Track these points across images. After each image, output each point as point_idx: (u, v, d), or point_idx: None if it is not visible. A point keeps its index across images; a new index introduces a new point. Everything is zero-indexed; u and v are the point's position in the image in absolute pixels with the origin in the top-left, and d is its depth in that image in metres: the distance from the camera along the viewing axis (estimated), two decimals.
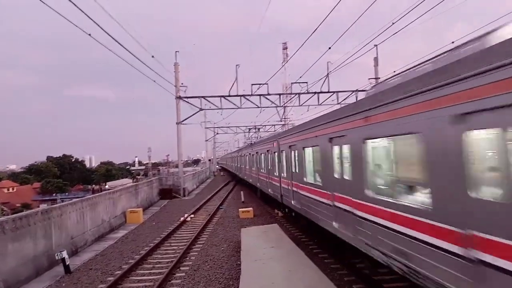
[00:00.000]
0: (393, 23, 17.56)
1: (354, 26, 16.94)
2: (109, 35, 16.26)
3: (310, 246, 14.29)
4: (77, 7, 13.27)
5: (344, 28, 17.81)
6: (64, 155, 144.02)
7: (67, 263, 12.88)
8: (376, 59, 34.62)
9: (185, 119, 37.57)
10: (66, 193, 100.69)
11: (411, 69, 7.27)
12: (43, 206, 25.57)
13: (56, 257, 13.10)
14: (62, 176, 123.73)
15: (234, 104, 34.56)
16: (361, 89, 33.88)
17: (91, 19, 14.50)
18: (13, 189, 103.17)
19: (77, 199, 18.94)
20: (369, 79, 34.32)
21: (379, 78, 34.05)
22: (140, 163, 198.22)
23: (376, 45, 29.90)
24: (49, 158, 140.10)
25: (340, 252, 11.88)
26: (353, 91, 33.90)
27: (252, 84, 33.41)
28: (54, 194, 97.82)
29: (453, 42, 17.63)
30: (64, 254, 12.91)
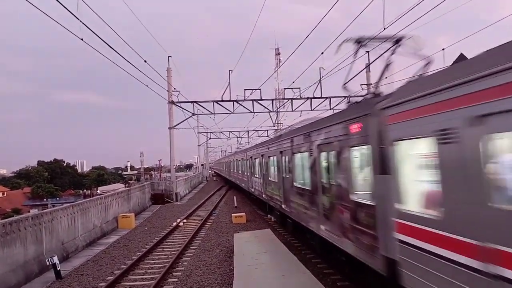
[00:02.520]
0: (384, 29, 17.73)
1: (346, 32, 17.08)
2: (102, 40, 16.22)
3: (303, 251, 14.29)
4: (69, 11, 13.24)
5: (336, 34, 17.96)
6: (55, 159, 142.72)
7: (58, 269, 12.75)
8: (368, 65, 34.82)
9: (178, 124, 37.54)
10: (57, 198, 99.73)
11: None
12: (34, 211, 25.28)
13: (47, 263, 12.97)
14: (53, 181, 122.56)
15: (227, 109, 34.60)
16: (353, 95, 34.06)
17: (83, 23, 14.46)
18: (3, 194, 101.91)
19: (68, 204, 18.79)
20: (361, 85, 34.54)
21: (371, 84, 34.28)
22: (132, 168, 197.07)
23: (368, 52, 30.09)
24: (40, 163, 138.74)
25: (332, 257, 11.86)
26: (345, 97, 34.03)
27: (245, 89, 33.51)
28: (45, 199, 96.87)
29: (443, 49, 17.86)
30: (55, 260, 12.77)
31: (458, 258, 4.79)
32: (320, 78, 31.69)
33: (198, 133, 69.50)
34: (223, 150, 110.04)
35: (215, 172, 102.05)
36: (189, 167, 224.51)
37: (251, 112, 35.42)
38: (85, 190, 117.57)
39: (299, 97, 33.96)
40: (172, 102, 35.87)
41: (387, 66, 8.64)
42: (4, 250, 11.90)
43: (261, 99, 34.12)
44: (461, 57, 5.53)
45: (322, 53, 22.45)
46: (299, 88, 33.73)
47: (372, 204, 7.28)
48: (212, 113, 35.37)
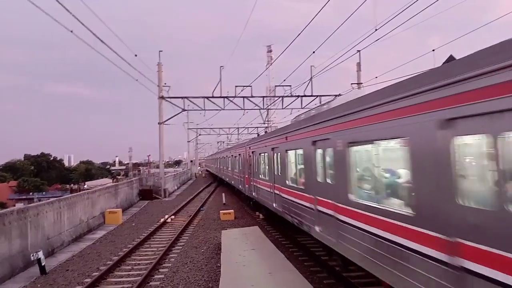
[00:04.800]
0: (376, 29, 17.82)
1: (338, 32, 17.13)
2: (92, 32, 16.05)
3: (291, 249, 14.32)
4: (59, 2, 13.05)
5: (328, 33, 18.02)
6: (42, 153, 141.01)
7: (42, 264, 12.59)
8: (358, 64, 35.03)
9: (167, 120, 37.32)
10: (44, 192, 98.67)
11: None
12: (19, 205, 24.97)
13: (32, 258, 12.78)
14: (40, 175, 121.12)
15: (218, 106, 34.50)
16: (343, 93, 34.20)
17: (74, 15, 14.28)
18: None
19: (55, 198, 18.57)
20: (352, 84, 34.70)
21: (362, 83, 34.47)
22: (120, 163, 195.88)
23: (359, 51, 30.27)
24: (26, 156, 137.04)
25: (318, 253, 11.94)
26: (335, 95, 34.15)
27: (236, 86, 33.48)
28: (31, 193, 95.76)
29: (433, 50, 18.00)
30: (40, 255, 12.61)
31: None
32: (311, 76, 31.77)
33: (188, 129, 69.32)
34: (220, 142, 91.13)
35: (207, 171, 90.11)
36: (178, 163, 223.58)
37: (242, 109, 35.39)
38: (72, 185, 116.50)
39: (290, 94, 34.02)
40: (162, 97, 35.64)
41: None
42: None
43: (252, 96, 34.11)
44: (451, 58, 5.53)
45: (314, 52, 22.49)
46: (290, 85, 33.81)
47: None
48: (202, 109, 35.25)
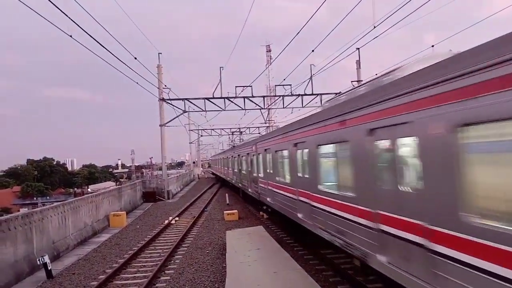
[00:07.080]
0: (374, 27, 17.84)
1: (336, 30, 17.15)
2: (91, 36, 16.05)
3: (295, 248, 14.36)
4: (57, 7, 13.07)
5: (326, 32, 18.04)
6: (45, 157, 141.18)
7: (49, 268, 12.66)
8: (358, 62, 35.01)
9: (169, 121, 37.37)
10: (47, 197, 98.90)
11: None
12: (24, 210, 25.07)
13: (38, 262, 12.86)
14: (43, 180, 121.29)
15: (218, 107, 34.54)
16: (344, 91, 34.16)
17: (72, 20, 14.31)
18: None
19: (59, 202, 18.64)
20: (352, 81, 34.67)
21: (361, 80, 34.44)
22: (123, 166, 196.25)
23: (358, 48, 30.25)
24: (29, 161, 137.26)
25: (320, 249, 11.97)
26: (336, 94, 34.15)
27: (236, 86, 33.51)
28: (35, 198, 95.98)
29: (432, 46, 18.01)
30: (46, 259, 12.69)
31: None
32: (311, 75, 31.78)
33: (189, 130, 69.35)
34: (221, 143, 79.01)
35: (213, 174, 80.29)
36: (180, 164, 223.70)
37: (243, 109, 35.43)
38: (75, 189, 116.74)
39: (290, 94, 34.02)
40: (163, 99, 35.70)
41: None
42: None
43: (253, 96, 34.13)
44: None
45: (313, 50, 22.52)
46: (290, 85, 33.80)
47: None
48: (203, 110, 35.31)
